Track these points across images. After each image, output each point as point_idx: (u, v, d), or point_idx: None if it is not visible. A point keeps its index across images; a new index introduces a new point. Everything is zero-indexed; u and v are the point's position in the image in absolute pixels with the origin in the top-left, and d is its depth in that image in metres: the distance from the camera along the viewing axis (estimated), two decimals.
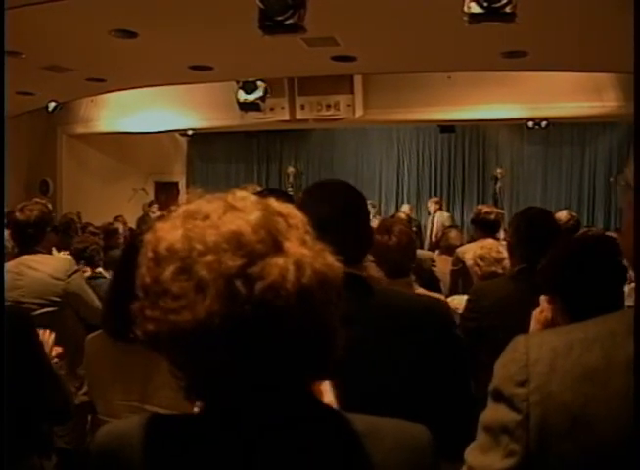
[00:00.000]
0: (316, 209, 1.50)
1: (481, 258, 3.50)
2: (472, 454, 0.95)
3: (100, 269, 4.56)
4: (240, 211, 0.88)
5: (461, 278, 4.57)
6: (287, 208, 0.93)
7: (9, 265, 3.17)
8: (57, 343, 2.43)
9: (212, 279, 0.82)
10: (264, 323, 0.83)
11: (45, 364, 2.13)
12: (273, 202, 0.92)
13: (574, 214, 5.87)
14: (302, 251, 0.87)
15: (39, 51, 6.81)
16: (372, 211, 11.30)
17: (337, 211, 1.63)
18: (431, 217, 12.11)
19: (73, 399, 2.21)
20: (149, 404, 1.81)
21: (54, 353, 2.31)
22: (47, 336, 2.36)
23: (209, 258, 0.83)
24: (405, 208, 12.17)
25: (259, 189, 3.21)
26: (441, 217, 11.80)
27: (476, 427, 1.57)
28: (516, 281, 2.92)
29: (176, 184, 15.11)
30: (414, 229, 9.21)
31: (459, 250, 4.83)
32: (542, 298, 2.09)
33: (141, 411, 1.78)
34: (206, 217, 0.87)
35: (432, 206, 12.25)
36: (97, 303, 3.37)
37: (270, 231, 0.86)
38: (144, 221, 10.07)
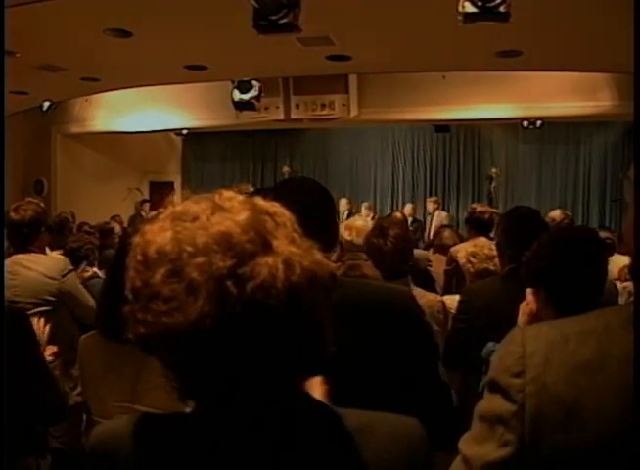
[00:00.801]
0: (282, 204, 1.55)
1: (474, 255, 3.51)
2: (466, 444, 0.95)
3: (95, 269, 4.54)
4: (228, 211, 0.88)
5: (455, 277, 4.58)
6: (274, 206, 0.93)
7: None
8: (51, 342, 2.43)
9: (203, 281, 0.83)
10: (256, 322, 0.83)
11: (40, 364, 2.13)
12: (260, 201, 0.93)
13: (569, 213, 5.88)
14: (291, 249, 0.87)
15: (33, 50, 6.79)
16: (366, 211, 11.34)
17: (301, 207, 1.66)
18: (429, 217, 12.11)
19: (68, 400, 2.21)
20: (140, 405, 1.80)
21: (49, 352, 2.30)
22: (41, 327, 2.35)
23: (200, 259, 0.83)
24: (407, 208, 12.18)
25: (251, 189, 3.22)
26: (439, 217, 11.81)
27: (453, 412, 1.58)
28: (506, 281, 2.92)
29: (171, 184, 15.10)
30: (410, 228, 9.22)
31: (452, 249, 4.82)
32: (528, 290, 2.12)
33: (132, 412, 1.78)
34: (195, 219, 0.88)
35: (430, 205, 12.26)
36: (92, 302, 3.36)
37: (259, 230, 0.86)
38: (135, 221, 10.06)
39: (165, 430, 0.96)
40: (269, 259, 0.84)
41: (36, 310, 3.19)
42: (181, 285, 0.83)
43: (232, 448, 0.92)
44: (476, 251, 3.52)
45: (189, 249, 0.84)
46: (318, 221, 1.67)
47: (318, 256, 0.91)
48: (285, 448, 0.92)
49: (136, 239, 0.90)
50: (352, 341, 1.53)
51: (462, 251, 3.79)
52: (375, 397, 1.16)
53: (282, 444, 0.92)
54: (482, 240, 3.80)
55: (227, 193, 0.92)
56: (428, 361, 1.74)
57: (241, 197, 0.92)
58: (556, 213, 5.54)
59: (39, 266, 3.34)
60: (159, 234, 0.87)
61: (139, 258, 0.88)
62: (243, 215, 0.87)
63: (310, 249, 0.90)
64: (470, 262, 3.51)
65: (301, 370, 0.94)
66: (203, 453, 0.92)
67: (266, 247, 0.86)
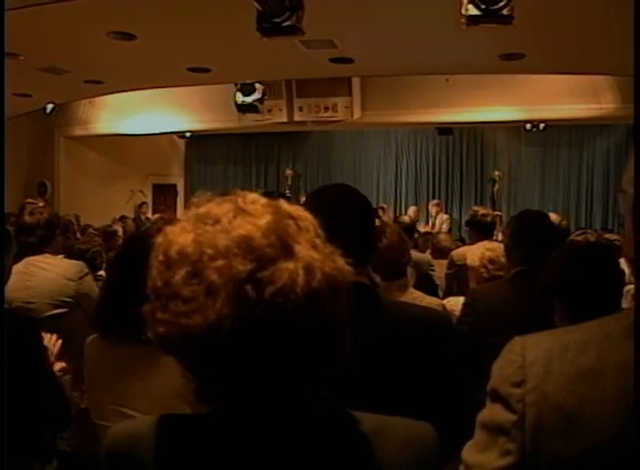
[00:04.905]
0: (322, 211, 1.53)
1: (491, 261, 3.43)
2: (469, 452, 0.96)
3: (102, 272, 4.50)
4: (250, 214, 0.89)
5: (456, 281, 4.56)
6: (297, 210, 0.94)
7: (17, 266, 3.09)
8: (66, 345, 2.43)
9: (223, 283, 0.83)
10: (274, 326, 0.84)
11: (47, 370, 2.12)
12: (284, 204, 0.93)
13: (563, 216, 5.87)
14: (312, 254, 0.87)
15: (37, 53, 6.80)
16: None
17: (343, 214, 1.63)
18: (432, 220, 12.12)
19: (73, 406, 2.21)
20: (131, 409, 1.81)
21: (57, 367, 2.30)
22: (53, 341, 2.36)
23: (220, 262, 0.84)
24: (411, 210, 12.17)
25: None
26: (440, 219, 11.82)
27: (467, 428, 1.57)
28: (513, 284, 2.91)
29: (174, 186, 15.12)
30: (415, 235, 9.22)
31: (454, 253, 4.80)
32: None
33: (124, 415, 1.78)
34: (217, 221, 0.88)
35: (433, 208, 12.26)
36: None
37: (280, 235, 0.87)
38: (139, 224, 10.04)
39: (183, 431, 0.97)
40: (290, 264, 0.85)
41: (53, 312, 3.19)
42: (200, 287, 0.84)
43: (248, 451, 0.92)
44: (493, 257, 3.44)
45: (209, 251, 0.85)
46: (360, 227, 1.66)
47: (340, 261, 0.91)
48: (302, 451, 0.92)
49: (159, 239, 0.91)
50: (388, 363, 1.54)
51: (474, 253, 3.72)
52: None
53: (299, 446, 0.92)
54: (496, 245, 3.73)
55: (250, 196, 0.93)
56: (459, 385, 1.72)
57: (264, 200, 0.93)
58: (552, 217, 5.52)
59: (57, 268, 3.32)
60: (180, 235, 0.88)
61: (161, 257, 0.89)
62: (265, 219, 0.88)
63: (332, 254, 0.91)
64: (485, 267, 3.45)
65: (319, 373, 0.94)
66: (219, 455, 0.93)
67: (287, 251, 0.86)
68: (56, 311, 3.22)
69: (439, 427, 1.06)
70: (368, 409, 1.00)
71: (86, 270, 3.46)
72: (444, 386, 1.65)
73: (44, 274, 3.27)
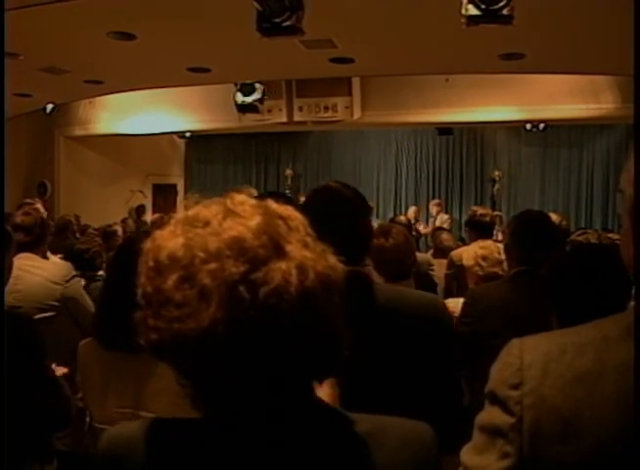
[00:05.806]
0: (321, 210, 1.55)
1: (484, 258, 3.45)
2: (467, 454, 0.95)
3: (101, 272, 4.48)
4: (240, 216, 0.88)
5: (456, 281, 4.55)
6: (286, 210, 0.93)
7: None
8: (54, 348, 2.42)
9: (216, 286, 0.82)
10: (269, 328, 0.83)
11: (45, 370, 2.12)
12: (272, 204, 0.92)
13: (563, 216, 5.86)
14: (304, 253, 0.87)
15: (37, 53, 6.80)
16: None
17: (341, 212, 1.66)
18: (432, 220, 12.11)
19: (72, 405, 2.20)
20: (144, 411, 1.79)
21: (59, 373, 2.30)
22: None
23: (212, 265, 0.83)
24: (411, 210, 12.15)
25: (255, 192, 3.22)
26: (441, 219, 11.81)
27: (465, 419, 1.59)
28: (513, 284, 2.90)
29: (174, 186, 15.11)
30: (413, 233, 9.23)
31: (453, 253, 4.80)
32: None
33: (136, 418, 1.76)
34: (207, 224, 0.87)
35: (434, 208, 12.25)
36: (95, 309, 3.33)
37: (271, 235, 0.86)
38: (139, 227, 10.03)
39: (177, 435, 0.96)
40: (282, 264, 0.84)
41: (39, 316, 3.18)
42: (193, 291, 0.83)
43: (243, 454, 0.92)
44: (486, 254, 3.46)
45: (201, 254, 0.84)
46: (356, 225, 1.68)
47: (332, 259, 0.90)
48: (298, 454, 0.92)
49: (147, 244, 0.90)
50: (388, 349, 1.55)
51: (469, 253, 3.73)
52: (394, 397, 1.17)
53: (295, 449, 0.92)
54: (490, 243, 3.74)
55: (239, 197, 0.92)
56: (447, 366, 1.74)
57: (253, 201, 0.92)
58: (552, 217, 5.53)
59: (43, 271, 3.31)
60: (170, 239, 0.87)
61: (150, 263, 0.87)
62: (255, 220, 0.87)
63: (324, 253, 0.90)
64: (479, 265, 3.45)
65: (316, 374, 0.94)
66: (214, 459, 0.92)
67: (279, 251, 0.85)
68: (43, 315, 3.21)
69: (435, 415, 1.06)
70: (363, 396, 1.00)
71: (73, 273, 3.45)
72: (441, 370, 1.67)
73: (31, 278, 3.27)
